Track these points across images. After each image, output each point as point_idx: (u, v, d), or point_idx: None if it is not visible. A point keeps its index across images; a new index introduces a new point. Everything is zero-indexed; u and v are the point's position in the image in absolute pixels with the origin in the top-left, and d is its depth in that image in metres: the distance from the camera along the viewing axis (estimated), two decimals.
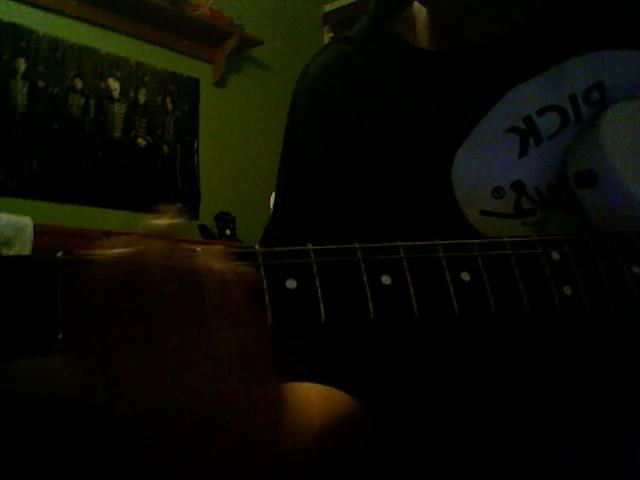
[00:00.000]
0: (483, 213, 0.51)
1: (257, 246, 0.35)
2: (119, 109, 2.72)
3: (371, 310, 0.35)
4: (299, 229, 0.59)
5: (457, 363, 0.53)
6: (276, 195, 0.65)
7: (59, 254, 0.29)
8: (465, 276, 0.36)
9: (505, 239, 0.39)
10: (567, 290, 0.39)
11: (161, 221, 0.34)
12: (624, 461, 0.50)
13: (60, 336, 0.27)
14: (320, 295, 0.34)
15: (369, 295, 0.35)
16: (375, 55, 0.60)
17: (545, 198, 0.51)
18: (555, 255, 0.40)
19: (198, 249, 0.33)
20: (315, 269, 0.34)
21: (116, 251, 0.32)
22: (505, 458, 0.52)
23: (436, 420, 0.54)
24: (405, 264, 0.36)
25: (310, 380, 0.50)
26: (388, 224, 0.53)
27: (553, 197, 0.51)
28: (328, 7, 3.67)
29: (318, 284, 0.34)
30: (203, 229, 2.87)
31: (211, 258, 0.33)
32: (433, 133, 0.53)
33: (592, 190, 0.47)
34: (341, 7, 3.57)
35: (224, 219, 2.95)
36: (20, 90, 2.42)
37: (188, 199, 2.92)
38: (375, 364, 0.54)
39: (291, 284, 0.34)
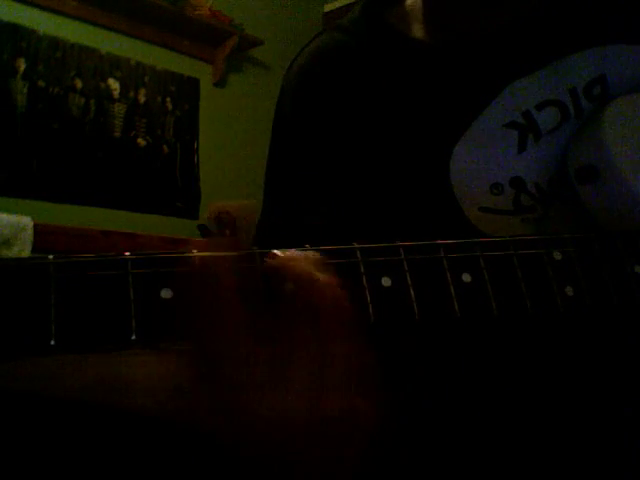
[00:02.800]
0: (482, 210, 0.50)
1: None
2: (119, 109, 2.71)
3: (371, 313, 0.34)
4: (292, 227, 0.57)
5: (458, 364, 0.52)
6: (265, 191, 0.63)
7: (50, 257, 0.28)
8: (466, 277, 0.36)
9: (507, 238, 0.38)
10: (569, 291, 0.39)
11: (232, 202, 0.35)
12: (626, 461, 0.49)
13: (52, 342, 0.27)
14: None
15: (368, 298, 0.34)
16: (369, 44, 0.58)
17: (545, 194, 0.50)
18: (557, 255, 0.39)
19: (279, 254, 0.33)
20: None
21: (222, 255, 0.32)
22: (506, 460, 0.51)
23: (437, 422, 0.53)
24: (405, 265, 0.35)
25: None
26: (385, 221, 0.52)
27: (553, 192, 0.50)
28: (328, 7, 3.66)
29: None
30: (203, 229, 2.87)
31: (307, 262, 0.33)
32: (430, 128, 0.53)
33: (593, 186, 0.47)
34: (341, 7, 3.56)
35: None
36: (20, 90, 2.42)
37: (188, 199, 2.91)
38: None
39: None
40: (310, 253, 0.34)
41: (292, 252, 0.33)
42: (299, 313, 0.32)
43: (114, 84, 2.71)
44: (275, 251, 0.34)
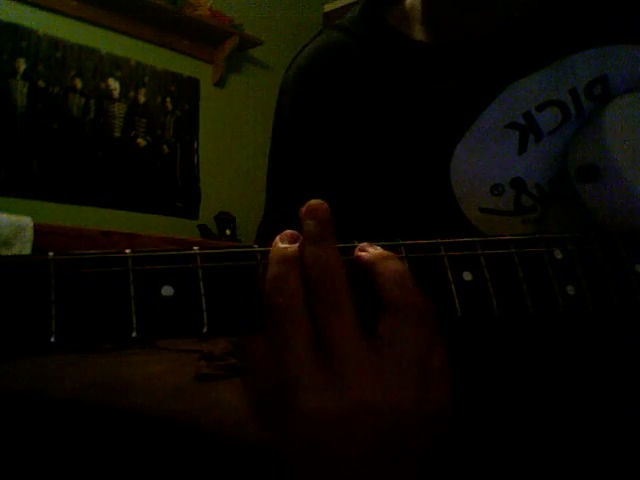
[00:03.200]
0: (482, 211, 0.50)
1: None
2: (119, 109, 2.72)
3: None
4: (294, 228, 0.57)
5: (458, 363, 0.52)
6: (267, 192, 0.63)
7: (51, 254, 0.28)
8: (467, 276, 0.36)
9: (508, 237, 0.38)
10: (570, 290, 0.38)
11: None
12: (626, 461, 0.49)
13: (53, 339, 0.27)
14: None
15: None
16: (368, 44, 0.58)
17: (546, 194, 0.50)
18: (558, 254, 0.39)
19: (370, 250, 0.34)
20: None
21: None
22: (505, 459, 0.51)
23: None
24: (406, 263, 0.35)
25: None
26: (386, 221, 0.53)
27: (554, 193, 0.50)
28: (328, 7, 3.66)
29: None
30: (203, 229, 2.87)
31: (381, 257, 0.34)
32: (430, 129, 0.52)
33: (594, 185, 0.47)
34: (341, 7, 3.56)
35: (224, 219, 2.95)
36: (20, 90, 2.42)
37: (188, 199, 2.91)
38: None
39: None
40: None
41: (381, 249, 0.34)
42: (399, 308, 0.33)
43: (114, 84, 2.71)
44: (365, 244, 0.35)
